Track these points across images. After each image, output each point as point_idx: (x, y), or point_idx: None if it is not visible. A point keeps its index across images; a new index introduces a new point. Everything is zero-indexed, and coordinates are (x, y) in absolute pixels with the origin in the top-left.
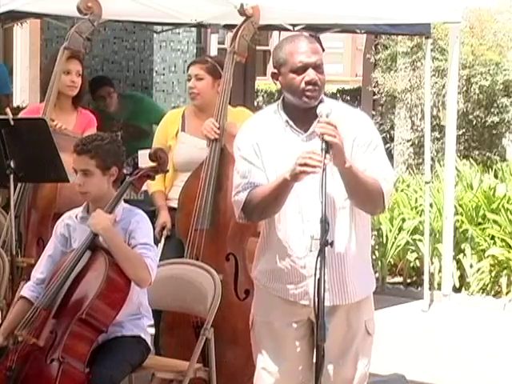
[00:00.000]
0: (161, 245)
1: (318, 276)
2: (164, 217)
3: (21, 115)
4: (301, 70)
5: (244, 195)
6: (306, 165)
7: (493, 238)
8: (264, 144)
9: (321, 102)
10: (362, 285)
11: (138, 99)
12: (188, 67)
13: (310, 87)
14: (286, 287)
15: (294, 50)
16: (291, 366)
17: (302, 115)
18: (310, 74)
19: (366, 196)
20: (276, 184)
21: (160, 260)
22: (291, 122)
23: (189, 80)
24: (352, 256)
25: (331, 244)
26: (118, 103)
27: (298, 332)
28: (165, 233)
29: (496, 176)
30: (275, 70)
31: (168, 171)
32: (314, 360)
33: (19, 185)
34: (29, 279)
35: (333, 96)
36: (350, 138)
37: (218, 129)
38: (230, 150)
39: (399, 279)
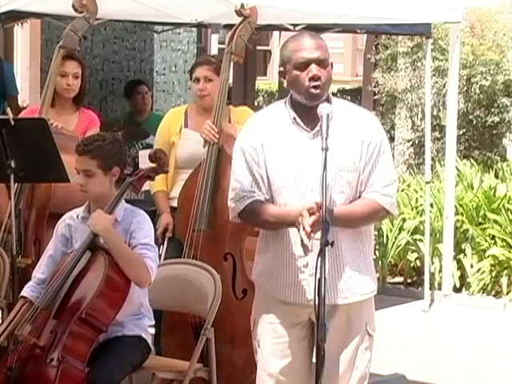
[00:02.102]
0: (164, 246)
1: (318, 276)
2: (166, 218)
3: (21, 116)
4: (303, 65)
5: (239, 206)
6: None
7: (493, 237)
8: (269, 143)
9: (328, 100)
10: (362, 285)
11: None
12: (193, 68)
13: (314, 83)
14: (283, 288)
15: (298, 46)
16: (292, 368)
17: (309, 113)
18: (313, 70)
19: (363, 224)
20: (282, 221)
21: (163, 260)
22: (298, 120)
23: (195, 81)
24: (352, 255)
25: (332, 244)
26: (150, 115)
27: (299, 333)
28: (167, 234)
29: (496, 176)
30: (281, 68)
31: (168, 172)
32: (314, 360)
33: (16, 185)
34: (28, 280)
35: (333, 96)
36: (357, 138)
37: (217, 133)
38: (227, 150)
39: (400, 279)
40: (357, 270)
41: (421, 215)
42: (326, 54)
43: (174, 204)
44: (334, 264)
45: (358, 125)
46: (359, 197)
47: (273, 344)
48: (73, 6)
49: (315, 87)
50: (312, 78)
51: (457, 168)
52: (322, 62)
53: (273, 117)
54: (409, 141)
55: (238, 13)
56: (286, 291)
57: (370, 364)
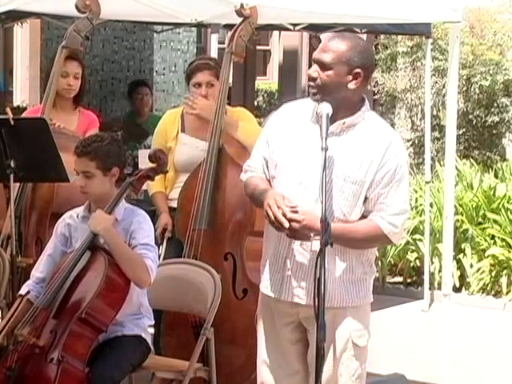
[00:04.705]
0: (163, 247)
1: (317, 276)
2: (165, 219)
3: (23, 115)
4: (313, 63)
5: (244, 177)
6: (268, 215)
7: (493, 237)
8: (283, 132)
9: (353, 108)
10: (346, 292)
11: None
12: (192, 73)
13: (309, 82)
14: (266, 280)
15: (320, 44)
16: (288, 367)
17: None
18: (311, 69)
19: (362, 245)
20: (259, 197)
21: (162, 260)
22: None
23: (195, 86)
24: (339, 261)
25: (331, 244)
26: (150, 116)
27: (292, 335)
28: (166, 235)
29: (496, 176)
30: None
31: (167, 172)
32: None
33: (18, 184)
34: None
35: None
36: (368, 156)
37: (219, 134)
38: (228, 150)
39: (399, 279)
40: (340, 277)
41: (420, 215)
42: (333, 58)
43: (174, 205)
44: (313, 267)
45: (375, 144)
46: (363, 215)
47: (268, 340)
48: (76, 7)
49: (310, 86)
50: (308, 77)
51: (456, 168)
52: (324, 65)
53: (300, 108)
54: (408, 141)
55: (239, 13)
56: (268, 284)
57: (360, 373)
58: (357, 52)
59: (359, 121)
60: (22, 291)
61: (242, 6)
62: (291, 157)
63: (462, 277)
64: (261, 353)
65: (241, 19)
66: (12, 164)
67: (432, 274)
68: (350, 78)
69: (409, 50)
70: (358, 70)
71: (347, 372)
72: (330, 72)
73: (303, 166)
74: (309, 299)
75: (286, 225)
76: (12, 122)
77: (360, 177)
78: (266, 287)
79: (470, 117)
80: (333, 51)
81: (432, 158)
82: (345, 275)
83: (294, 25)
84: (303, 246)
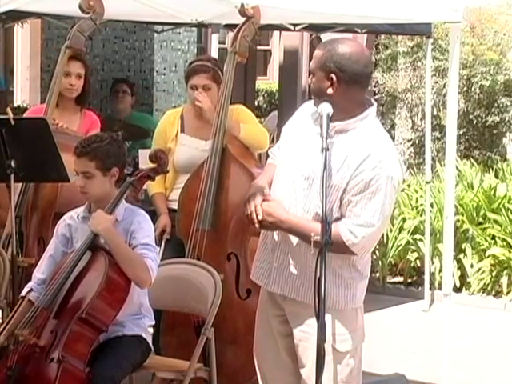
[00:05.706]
0: (161, 249)
1: (318, 275)
2: (164, 220)
3: (26, 115)
4: None
5: (267, 162)
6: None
7: (493, 237)
8: (294, 126)
9: (350, 113)
10: (329, 294)
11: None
12: (190, 75)
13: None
14: (256, 268)
15: None
16: (277, 357)
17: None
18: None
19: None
20: None
21: (160, 261)
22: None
23: (192, 89)
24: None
25: (332, 244)
26: (129, 114)
27: (281, 327)
28: (165, 236)
29: (496, 176)
30: None
31: (168, 172)
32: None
33: (21, 185)
34: (30, 279)
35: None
36: (346, 163)
37: (222, 133)
38: (231, 150)
39: (400, 279)
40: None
41: (421, 215)
42: (314, 64)
43: (173, 206)
44: (289, 254)
45: (356, 152)
46: (337, 218)
47: (262, 329)
48: (80, 7)
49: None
50: None
51: (457, 168)
52: (311, 73)
53: (311, 109)
54: (409, 141)
55: (242, 13)
56: (256, 271)
57: (345, 377)
58: (331, 56)
59: (352, 127)
60: (24, 293)
61: (242, 5)
62: (288, 153)
63: (463, 277)
64: (255, 341)
65: (243, 19)
66: (12, 164)
67: (432, 274)
68: (329, 83)
69: (409, 49)
70: (331, 75)
71: (326, 376)
72: (313, 79)
73: (294, 162)
74: (293, 293)
75: (257, 225)
76: (12, 122)
77: (335, 181)
78: (253, 275)
79: (471, 117)
80: (314, 58)
81: (432, 158)
82: (329, 277)
83: (295, 25)
84: (287, 242)
